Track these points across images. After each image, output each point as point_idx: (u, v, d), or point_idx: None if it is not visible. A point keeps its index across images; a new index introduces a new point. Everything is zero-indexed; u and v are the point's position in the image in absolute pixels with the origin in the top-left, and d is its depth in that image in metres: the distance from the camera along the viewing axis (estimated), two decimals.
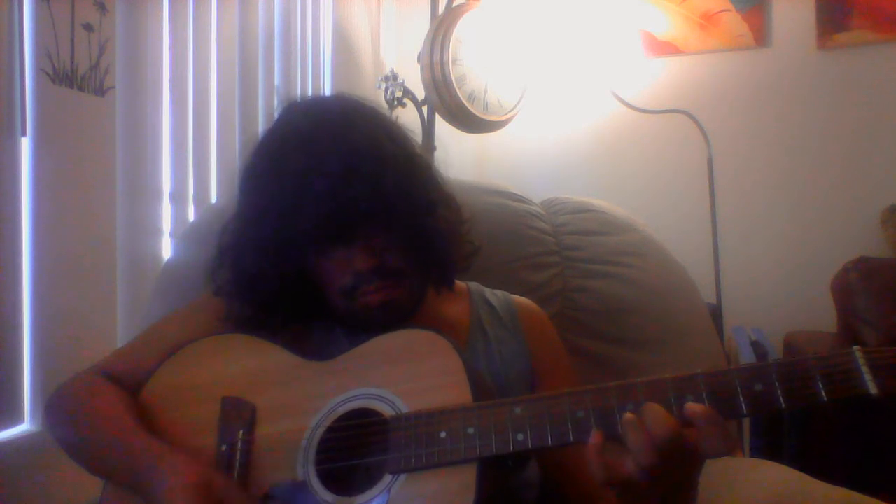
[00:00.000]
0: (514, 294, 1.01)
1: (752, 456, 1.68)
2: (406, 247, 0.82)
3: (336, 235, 0.79)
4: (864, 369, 0.57)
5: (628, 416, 0.60)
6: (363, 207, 0.77)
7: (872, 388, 0.56)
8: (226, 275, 0.86)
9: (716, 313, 2.13)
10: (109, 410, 0.79)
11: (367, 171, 0.77)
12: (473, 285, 1.01)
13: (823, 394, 0.57)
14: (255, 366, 0.81)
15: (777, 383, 0.59)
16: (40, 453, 1.16)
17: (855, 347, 0.58)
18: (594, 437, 0.61)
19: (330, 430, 0.73)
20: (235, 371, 0.81)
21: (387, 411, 0.71)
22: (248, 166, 0.86)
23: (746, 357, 1.79)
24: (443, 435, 0.66)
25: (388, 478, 0.67)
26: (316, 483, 0.71)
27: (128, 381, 0.84)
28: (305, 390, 0.77)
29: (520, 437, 0.64)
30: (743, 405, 0.59)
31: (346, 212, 0.77)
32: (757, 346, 1.84)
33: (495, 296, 0.99)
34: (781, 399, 0.58)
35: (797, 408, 0.59)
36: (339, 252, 0.80)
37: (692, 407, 0.59)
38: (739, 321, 2.09)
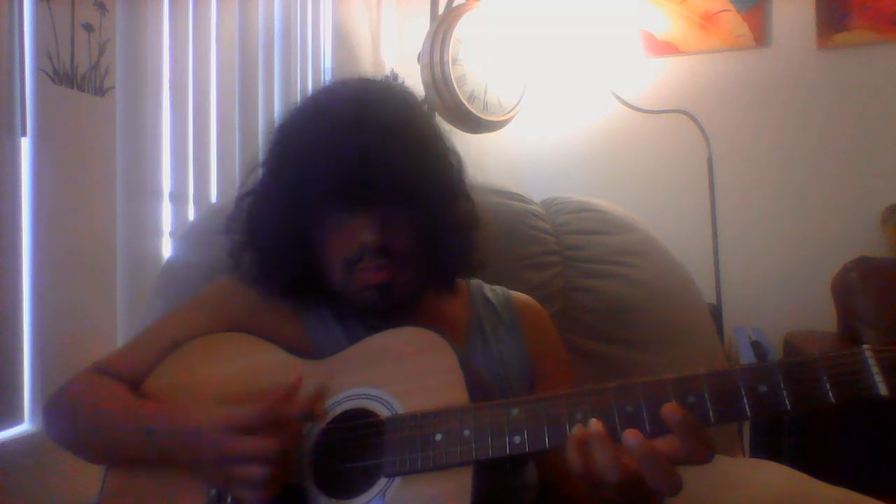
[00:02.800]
0: (516, 290, 1.01)
1: (751, 455, 1.68)
2: (419, 234, 0.82)
3: (358, 196, 0.78)
4: (874, 370, 0.54)
5: (595, 429, 0.59)
6: (392, 176, 0.77)
7: (882, 390, 0.53)
8: (242, 224, 0.87)
9: (716, 313, 2.13)
10: (111, 396, 0.79)
11: (406, 143, 0.78)
12: (473, 282, 1.00)
13: (831, 395, 0.55)
14: (251, 366, 0.81)
15: (782, 384, 0.56)
16: (40, 453, 1.16)
17: (864, 346, 0.55)
18: (577, 430, 0.60)
19: (326, 431, 0.73)
20: (232, 371, 0.81)
21: (383, 412, 0.71)
22: (291, 118, 0.86)
23: (746, 357, 1.79)
24: (438, 437, 0.66)
25: (383, 480, 0.67)
26: (311, 485, 0.70)
27: (126, 379, 0.84)
28: (302, 390, 0.76)
29: (517, 439, 0.63)
30: (747, 407, 0.57)
31: (375, 173, 0.76)
32: (757, 346, 1.84)
33: (494, 293, 0.99)
34: (787, 401, 0.56)
35: (803, 410, 0.57)
36: (354, 221, 0.79)
37: (670, 410, 0.57)
38: (739, 321, 2.09)
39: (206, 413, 0.70)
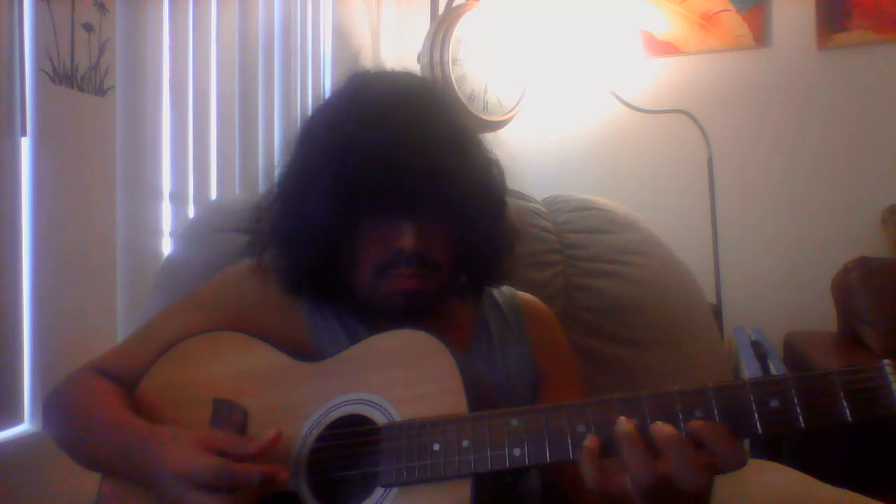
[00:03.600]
0: (520, 290, 1.00)
1: (752, 456, 1.68)
2: (458, 243, 0.81)
3: (400, 202, 0.77)
4: (895, 386, 0.51)
5: (624, 428, 0.56)
6: (438, 187, 0.75)
7: None
8: (272, 219, 0.85)
9: (716, 313, 2.13)
10: (104, 403, 0.79)
11: (456, 153, 0.76)
12: None
13: (848, 413, 0.52)
14: (247, 366, 0.80)
15: (796, 400, 0.53)
16: (40, 453, 1.16)
17: (885, 361, 0.53)
18: (590, 441, 0.58)
19: (322, 437, 0.72)
20: (228, 371, 0.80)
21: (379, 419, 0.69)
22: (329, 108, 0.84)
23: (746, 357, 1.79)
24: (436, 447, 0.64)
25: (379, 490, 0.66)
26: (307, 493, 0.69)
27: (124, 378, 0.84)
28: (298, 394, 0.75)
29: (516, 452, 0.61)
30: (757, 423, 0.54)
31: (422, 183, 0.75)
32: (757, 347, 1.84)
33: (501, 293, 0.97)
34: (800, 418, 0.53)
35: (817, 428, 0.53)
36: (392, 224, 0.78)
37: (699, 426, 0.55)
38: (739, 321, 2.09)
39: (173, 453, 0.68)
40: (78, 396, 0.82)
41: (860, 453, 1.59)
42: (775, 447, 1.70)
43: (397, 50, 2.57)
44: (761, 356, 1.77)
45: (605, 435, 0.59)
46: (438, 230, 0.79)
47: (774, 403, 0.54)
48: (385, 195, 0.76)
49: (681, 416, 0.57)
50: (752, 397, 0.55)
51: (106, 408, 0.78)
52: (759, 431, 0.54)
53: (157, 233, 1.48)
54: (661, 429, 0.56)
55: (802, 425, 0.53)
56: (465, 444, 0.63)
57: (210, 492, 0.64)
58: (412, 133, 0.76)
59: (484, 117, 2.06)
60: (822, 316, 1.97)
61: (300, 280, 0.85)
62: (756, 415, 0.55)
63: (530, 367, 0.90)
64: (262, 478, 0.65)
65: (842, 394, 0.53)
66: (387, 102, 0.79)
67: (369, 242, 0.80)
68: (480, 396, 0.70)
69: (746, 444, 1.73)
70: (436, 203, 0.77)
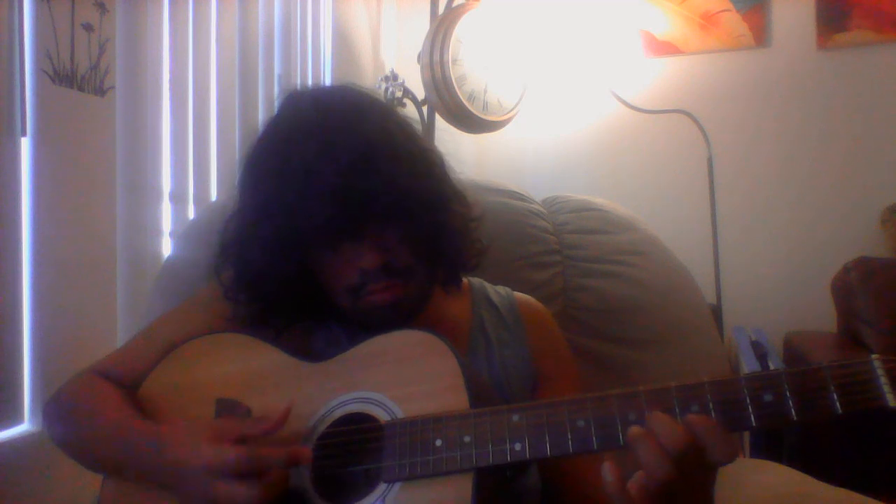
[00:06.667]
0: (518, 291, 1.00)
1: (751, 456, 1.68)
2: (416, 243, 0.80)
3: (346, 231, 0.76)
4: (883, 380, 0.53)
5: (635, 430, 0.58)
6: (378, 202, 0.74)
7: (892, 401, 0.52)
8: (229, 272, 0.84)
9: (716, 313, 2.14)
10: (107, 405, 0.79)
11: (381, 164, 0.75)
12: (476, 282, 0.99)
13: (838, 405, 0.54)
14: (250, 367, 0.80)
15: (788, 393, 0.55)
16: (40, 453, 1.16)
17: (873, 356, 0.54)
18: (611, 473, 0.57)
19: (325, 435, 0.72)
20: (231, 372, 0.80)
21: (382, 416, 0.70)
22: (252, 158, 0.83)
23: (746, 357, 1.79)
24: (438, 443, 0.65)
25: (382, 486, 0.67)
26: (311, 490, 0.70)
27: (125, 381, 0.84)
28: (301, 393, 0.76)
29: (517, 446, 0.63)
30: (752, 417, 0.56)
31: (359, 206, 0.74)
32: (757, 346, 1.84)
33: (498, 294, 0.97)
34: (793, 410, 0.55)
35: (809, 421, 0.55)
36: (347, 248, 0.77)
37: (693, 419, 0.57)
38: (739, 321, 2.10)
39: (194, 447, 0.68)
40: (80, 397, 0.82)
41: (860, 453, 1.59)
42: (775, 447, 1.70)
43: (397, 50, 2.57)
44: (761, 356, 1.78)
45: (604, 429, 0.60)
46: (395, 235, 0.78)
47: (768, 397, 0.56)
48: (328, 230, 0.75)
49: (677, 411, 0.58)
50: (746, 391, 0.57)
51: (109, 408, 0.78)
52: (754, 424, 0.56)
53: (157, 233, 1.48)
54: (664, 423, 0.57)
55: (795, 418, 0.55)
56: (467, 439, 0.64)
57: (239, 479, 0.65)
58: (333, 167, 0.73)
59: (484, 117, 2.05)
60: (822, 316, 1.97)
61: (277, 318, 0.84)
62: (750, 408, 0.56)
63: (529, 368, 0.90)
64: (288, 458, 0.67)
65: (832, 387, 0.54)
66: (301, 142, 0.76)
67: (335, 270, 0.79)
68: (481, 394, 0.70)
69: (747, 443, 1.74)
70: (378, 219, 0.76)
